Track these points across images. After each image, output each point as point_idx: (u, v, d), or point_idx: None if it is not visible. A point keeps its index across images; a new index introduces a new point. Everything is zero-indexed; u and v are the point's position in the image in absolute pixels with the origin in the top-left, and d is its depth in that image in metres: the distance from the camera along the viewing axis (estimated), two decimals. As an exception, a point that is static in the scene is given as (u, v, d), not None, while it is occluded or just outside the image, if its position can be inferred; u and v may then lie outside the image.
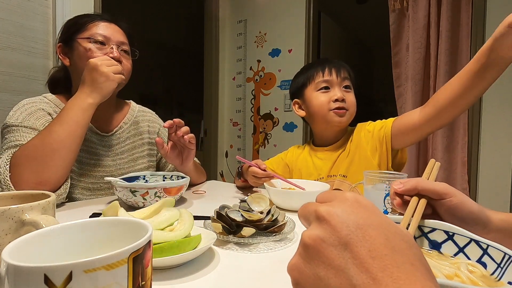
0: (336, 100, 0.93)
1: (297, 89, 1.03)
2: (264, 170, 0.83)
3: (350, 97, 0.96)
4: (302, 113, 1.03)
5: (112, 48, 0.82)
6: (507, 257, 0.30)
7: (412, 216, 0.35)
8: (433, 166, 0.42)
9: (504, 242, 0.37)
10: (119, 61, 0.83)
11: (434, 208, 0.39)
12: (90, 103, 0.74)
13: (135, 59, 0.91)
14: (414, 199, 0.38)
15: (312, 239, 0.21)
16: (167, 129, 0.83)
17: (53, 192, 0.69)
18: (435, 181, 0.40)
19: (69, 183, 0.74)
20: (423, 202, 0.37)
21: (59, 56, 0.86)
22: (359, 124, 1.01)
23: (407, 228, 0.34)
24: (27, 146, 0.69)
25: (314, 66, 0.99)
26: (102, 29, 0.84)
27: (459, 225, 0.37)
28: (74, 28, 0.83)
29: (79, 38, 0.82)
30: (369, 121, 0.98)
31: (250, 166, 0.86)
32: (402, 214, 0.36)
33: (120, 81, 0.78)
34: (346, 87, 0.96)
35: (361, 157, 0.93)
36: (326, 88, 0.95)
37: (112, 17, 0.88)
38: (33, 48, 1.45)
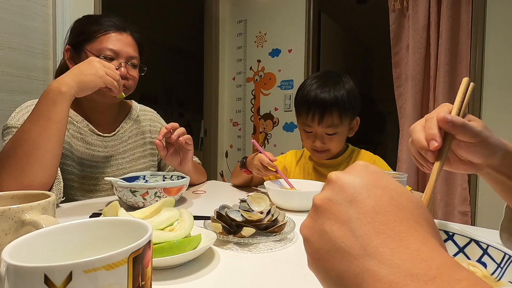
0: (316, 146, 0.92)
1: (295, 108, 0.99)
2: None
3: (333, 142, 0.92)
4: None
5: (120, 64, 0.81)
6: (507, 257, 0.30)
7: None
8: (468, 87, 0.37)
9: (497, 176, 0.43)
10: (125, 78, 0.82)
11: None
12: (63, 92, 0.65)
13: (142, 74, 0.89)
14: (463, 84, 0.40)
15: (320, 200, 0.23)
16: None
17: None
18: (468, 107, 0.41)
19: (62, 183, 0.70)
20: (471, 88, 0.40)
21: (67, 60, 0.84)
22: (372, 155, 0.98)
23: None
24: (4, 148, 0.64)
25: (304, 99, 0.91)
26: (112, 43, 0.81)
27: (469, 156, 0.41)
28: (84, 36, 0.81)
29: (88, 49, 0.80)
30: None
31: (258, 153, 0.85)
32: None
33: (109, 83, 0.71)
34: (329, 132, 0.90)
35: None
36: (310, 131, 0.93)
37: (124, 25, 0.85)
38: (33, 48, 1.45)
